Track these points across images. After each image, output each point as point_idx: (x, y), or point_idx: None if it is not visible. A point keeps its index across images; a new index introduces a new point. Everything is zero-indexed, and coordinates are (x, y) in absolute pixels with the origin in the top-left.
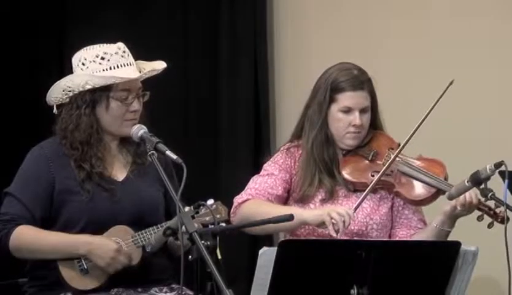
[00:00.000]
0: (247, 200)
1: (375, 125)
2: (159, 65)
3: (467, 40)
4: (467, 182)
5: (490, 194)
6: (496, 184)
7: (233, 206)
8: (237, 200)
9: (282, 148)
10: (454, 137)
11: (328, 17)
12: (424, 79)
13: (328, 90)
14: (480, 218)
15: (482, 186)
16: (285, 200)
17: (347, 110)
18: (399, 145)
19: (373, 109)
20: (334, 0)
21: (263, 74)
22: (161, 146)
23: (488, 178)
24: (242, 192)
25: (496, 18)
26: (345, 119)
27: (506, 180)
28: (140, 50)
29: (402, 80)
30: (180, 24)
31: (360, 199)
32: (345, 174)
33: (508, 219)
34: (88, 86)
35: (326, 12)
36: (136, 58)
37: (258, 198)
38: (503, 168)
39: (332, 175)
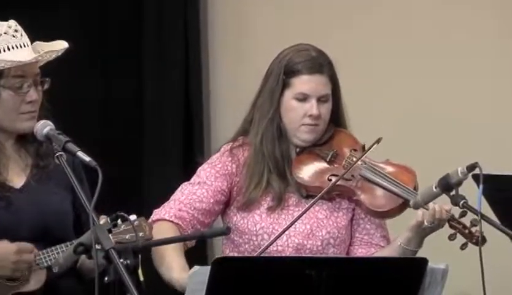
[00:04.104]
0: (163, 219)
1: (337, 120)
2: (60, 45)
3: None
4: (435, 187)
5: (462, 202)
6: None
7: (150, 219)
8: (154, 214)
9: (223, 149)
10: (426, 140)
11: None
12: (395, 77)
13: (281, 73)
14: (452, 237)
15: (453, 192)
16: (217, 214)
17: (303, 98)
18: (363, 146)
19: (335, 99)
20: None
21: (195, 48)
22: (71, 146)
23: (459, 183)
24: (165, 204)
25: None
26: (300, 108)
27: (481, 186)
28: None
29: (371, 78)
30: None
31: (300, 214)
32: (298, 175)
33: (483, 238)
34: None
35: None
36: (40, 32)
37: (181, 215)
38: (477, 170)
39: (283, 176)
